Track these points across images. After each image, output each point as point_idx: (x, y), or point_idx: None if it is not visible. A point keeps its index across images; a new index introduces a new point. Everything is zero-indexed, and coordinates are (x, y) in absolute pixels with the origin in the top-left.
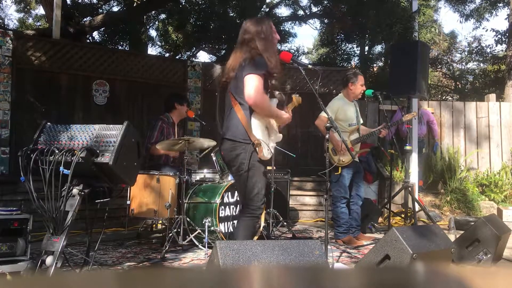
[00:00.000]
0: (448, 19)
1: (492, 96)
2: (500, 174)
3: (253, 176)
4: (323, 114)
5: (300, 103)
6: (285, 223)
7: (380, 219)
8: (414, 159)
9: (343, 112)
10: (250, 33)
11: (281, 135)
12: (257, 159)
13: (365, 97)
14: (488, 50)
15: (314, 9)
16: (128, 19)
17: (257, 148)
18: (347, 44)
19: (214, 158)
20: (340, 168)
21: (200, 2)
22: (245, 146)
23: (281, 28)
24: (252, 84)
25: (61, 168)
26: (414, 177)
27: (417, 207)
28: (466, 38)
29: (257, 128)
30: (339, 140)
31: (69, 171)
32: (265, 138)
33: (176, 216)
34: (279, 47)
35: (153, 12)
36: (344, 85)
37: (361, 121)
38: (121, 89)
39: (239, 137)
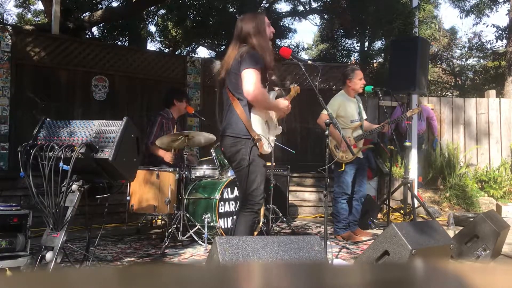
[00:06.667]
0: (448, 14)
1: (492, 92)
2: (500, 170)
3: (253, 171)
4: (324, 111)
5: (299, 93)
6: (284, 219)
7: (380, 215)
8: (413, 155)
9: (343, 109)
10: (244, 29)
11: (280, 127)
12: (258, 154)
13: (365, 93)
14: (488, 46)
15: (314, 5)
16: (128, 14)
17: (257, 144)
18: (347, 40)
19: (213, 154)
20: (343, 164)
21: None
22: (245, 142)
23: (281, 24)
24: (250, 78)
25: (61, 163)
26: (413, 173)
27: (416, 203)
28: (466, 34)
29: (257, 123)
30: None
31: (68, 166)
32: (265, 132)
33: (175, 211)
34: (278, 43)
35: (153, 7)
36: (343, 82)
37: (365, 117)
38: (121, 85)
39: (239, 133)
